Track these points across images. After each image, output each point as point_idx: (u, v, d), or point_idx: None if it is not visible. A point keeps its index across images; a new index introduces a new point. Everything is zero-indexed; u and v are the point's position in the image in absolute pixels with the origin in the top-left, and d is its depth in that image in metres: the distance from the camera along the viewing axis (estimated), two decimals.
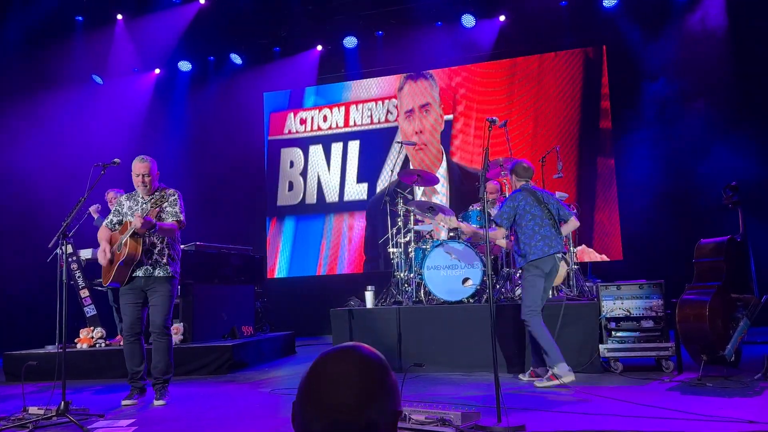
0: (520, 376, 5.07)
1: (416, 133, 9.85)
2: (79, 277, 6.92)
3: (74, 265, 6.92)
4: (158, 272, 4.63)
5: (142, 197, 4.73)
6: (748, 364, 4.81)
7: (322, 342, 8.45)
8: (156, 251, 4.65)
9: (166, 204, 4.66)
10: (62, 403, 3.93)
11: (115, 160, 4.62)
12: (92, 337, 6.62)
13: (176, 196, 4.75)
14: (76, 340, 6.65)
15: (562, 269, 5.21)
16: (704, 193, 7.36)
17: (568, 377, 4.57)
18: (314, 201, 10.40)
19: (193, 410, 4.42)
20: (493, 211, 6.17)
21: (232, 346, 6.29)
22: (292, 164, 10.59)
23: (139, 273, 4.60)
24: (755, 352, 5.21)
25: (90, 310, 6.92)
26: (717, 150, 7.76)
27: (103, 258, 4.58)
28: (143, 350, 4.72)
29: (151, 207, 4.58)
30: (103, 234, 4.71)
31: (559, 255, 4.89)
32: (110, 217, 4.79)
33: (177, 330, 6.58)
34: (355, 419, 1.07)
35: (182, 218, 4.72)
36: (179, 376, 6.02)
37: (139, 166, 4.65)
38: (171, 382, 4.77)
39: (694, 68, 8.22)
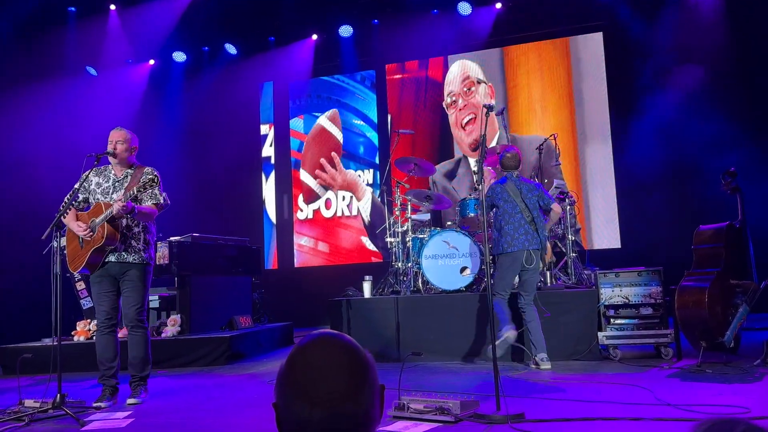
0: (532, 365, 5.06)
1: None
2: None
3: None
4: (132, 258, 4.31)
5: (114, 174, 4.43)
6: (748, 350, 4.80)
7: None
8: (131, 235, 4.32)
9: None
10: (58, 395, 3.90)
11: (108, 150, 4.36)
12: (89, 330, 6.59)
13: (154, 176, 4.29)
14: (72, 333, 6.63)
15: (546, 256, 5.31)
16: (703, 179, 7.33)
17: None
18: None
19: (191, 401, 4.40)
20: None
21: (230, 337, 6.27)
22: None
23: (112, 258, 4.27)
24: (754, 338, 5.20)
25: (86, 303, 6.89)
26: (716, 135, 7.72)
27: (80, 230, 4.19)
28: (117, 343, 4.39)
29: (144, 186, 4.11)
30: (69, 215, 4.30)
31: (534, 248, 4.96)
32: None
33: (174, 321, 6.56)
34: (352, 406, 1.06)
35: (161, 200, 4.33)
36: (177, 367, 6.01)
37: (113, 134, 4.40)
38: (167, 374, 4.69)
39: (693, 52, 8.14)
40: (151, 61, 10.52)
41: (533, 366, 4.95)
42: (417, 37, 9.68)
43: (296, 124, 10.60)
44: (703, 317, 4.52)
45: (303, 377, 1.07)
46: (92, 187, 4.42)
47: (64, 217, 4.26)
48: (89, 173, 4.44)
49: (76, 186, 4.43)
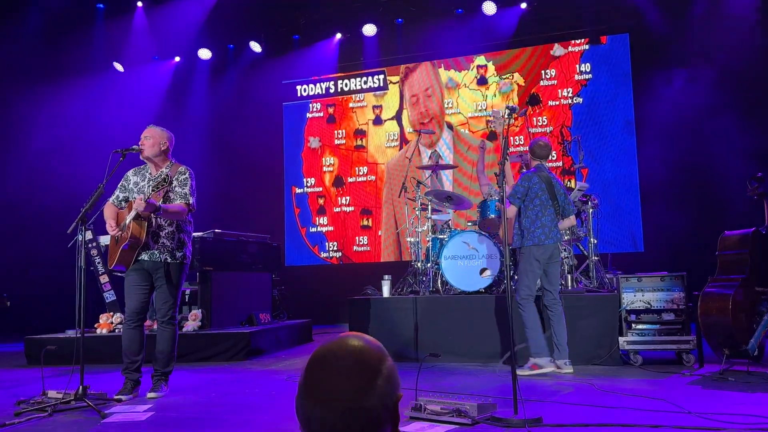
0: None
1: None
2: (98, 263, 6.99)
3: (94, 251, 7.00)
4: (164, 257, 4.32)
5: (150, 172, 4.47)
6: None
7: (339, 330, 8.46)
8: (164, 234, 4.33)
9: (175, 183, 4.34)
10: (80, 387, 3.95)
11: (134, 146, 4.41)
12: (112, 323, 6.69)
13: (187, 175, 4.42)
14: (96, 325, 6.73)
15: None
16: (728, 184, 7.20)
17: (549, 368, 4.76)
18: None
19: (210, 396, 4.44)
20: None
21: (249, 333, 6.32)
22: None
23: (144, 257, 4.30)
24: None
25: (110, 296, 7.00)
26: (742, 140, 7.59)
27: (111, 230, 4.28)
28: (144, 338, 4.41)
29: (157, 186, 4.20)
30: (108, 211, 4.39)
31: (561, 241, 4.97)
32: (116, 193, 4.49)
33: (195, 316, 6.62)
34: (354, 406, 1.07)
35: (191, 201, 4.37)
36: (197, 362, 6.07)
37: (146, 130, 4.45)
38: (187, 368, 4.73)
39: (720, 55, 8.00)
40: (177, 58, 10.64)
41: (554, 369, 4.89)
42: (441, 37, 9.67)
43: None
44: (727, 324, 4.45)
45: (314, 377, 1.12)
46: (130, 186, 4.47)
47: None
48: (128, 173, 4.52)
49: (122, 184, 4.51)
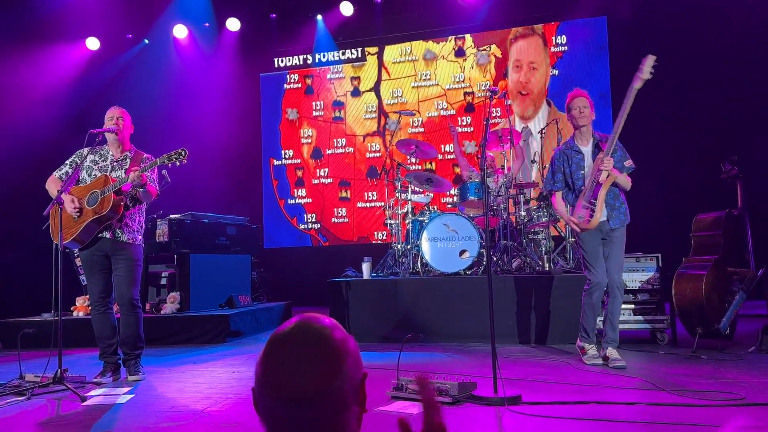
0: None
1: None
2: None
3: None
4: (126, 237, 4.32)
5: (112, 154, 4.42)
6: (743, 337, 4.85)
7: (320, 312, 8.46)
8: (129, 214, 4.34)
9: (143, 168, 4.26)
10: (58, 370, 3.92)
11: (111, 127, 4.35)
12: (88, 305, 6.61)
13: (151, 164, 4.33)
14: (72, 308, 6.66)
15: None
16: (702, 166, 7.31)
17: None
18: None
19: (189, 379, 4.43)
20: (492, 184, 6.17)
21: (229, 315, 6.30)
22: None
23: (107, 234, 4.26)
24: (750, 326, 5.25)
25: (85, 279, 6.89)
26: (716, 122, 7.71)
27: (70, 206, 4.17)
28: (114, 319, 4.42)
29: (144, 168, 4.18)
30: (54, 185, 4.30)
31: None
32: (65, 168, 4.40)
33: (173, 299, 6.59)
34: (324, 391, 1.02)
35: (158, 187, 4.43)
36: (176, 344, 6.05)
37: (113, 111, 4.42)
38: (166, 350, 4.72)
39: (697, 38, 8.06)
40: (146, 41, 10.42)
41: (594, 360, 4.40)
42: (419, 15, 9.61)
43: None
44: (700, 304, 4.56)
45: (274, 371, 1.04)
46: (87, 163, 4.40)
47: (65, 193, 4.23)
48: (83, 151, 4.44)
49: (73, 160, 4.43)
